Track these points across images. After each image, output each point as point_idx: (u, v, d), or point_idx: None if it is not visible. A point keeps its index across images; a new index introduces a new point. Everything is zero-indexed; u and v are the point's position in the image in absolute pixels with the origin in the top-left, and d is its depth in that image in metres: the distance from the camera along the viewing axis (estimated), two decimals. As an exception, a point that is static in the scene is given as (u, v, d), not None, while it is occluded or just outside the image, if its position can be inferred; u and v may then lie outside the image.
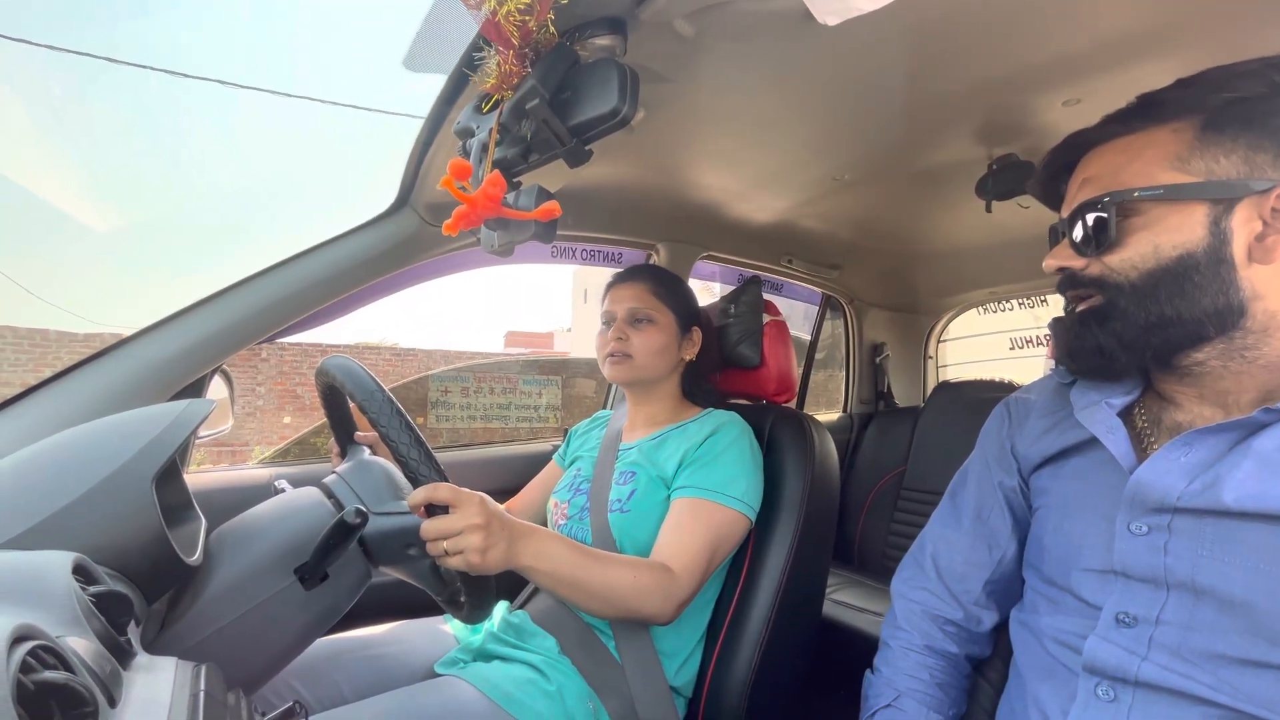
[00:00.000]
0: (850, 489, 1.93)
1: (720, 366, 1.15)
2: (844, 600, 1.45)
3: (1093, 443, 0.57)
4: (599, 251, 1.46)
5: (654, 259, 1.48)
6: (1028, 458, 0.66)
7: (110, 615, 0.42)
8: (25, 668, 0.29)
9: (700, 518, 0.86)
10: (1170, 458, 0.51)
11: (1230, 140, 0.49)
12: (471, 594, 0.73)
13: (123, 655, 0.41)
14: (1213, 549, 0.48)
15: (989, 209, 1.19)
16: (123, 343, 0.92)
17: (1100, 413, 0.57)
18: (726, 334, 1.13)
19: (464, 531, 0.64)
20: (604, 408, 1.44)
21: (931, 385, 2.26)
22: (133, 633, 0.45)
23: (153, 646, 0.58)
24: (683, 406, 1.06)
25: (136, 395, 0.89)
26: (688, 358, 1.06)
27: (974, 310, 2.26)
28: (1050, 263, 0.58)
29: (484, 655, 0.88)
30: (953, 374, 2.35)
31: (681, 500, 0.88)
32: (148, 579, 0.54)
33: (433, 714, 0.74)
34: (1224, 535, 0.47)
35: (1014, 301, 2.17)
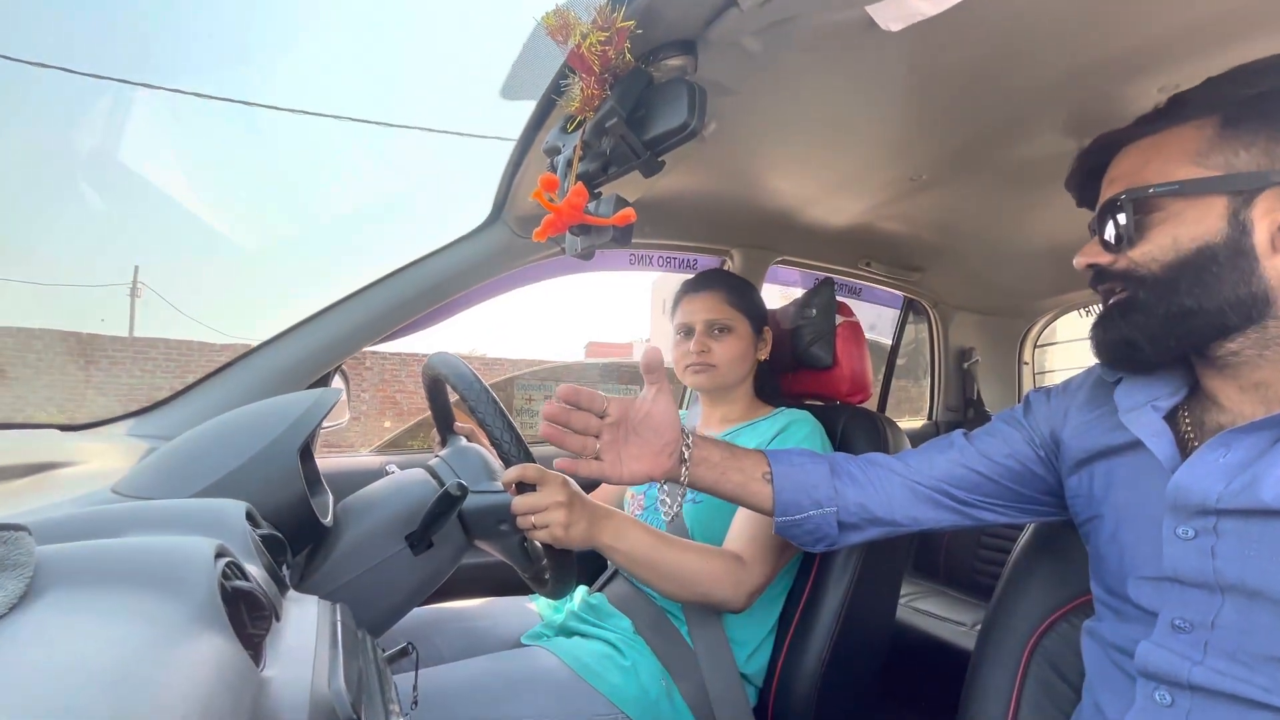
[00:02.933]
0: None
1: (793, 367, 1.17)
2: (925, 609, 1.41)
3: (1139, 445, 0.57)
4: (674, 258, 1.52)
5: (728, 264, 1.52)
6: (1069, 449, 0.65)
7: (271, 553, 0.51)
8: (224, 575, 0.38)
9: (770, 510, 0.89)
10: (1209, 459, 0.50)
11: (1250, 134, 0.50)
12: (555, 570, 0.80)
13: (281, 585, 0.50)
14: (1259, 549, 0.47)
15: (1080, 204, 1.14)
16: (264, 345, 1.08)
17: (1145, 416, 0.56)
18: (799, 335, 1.15)
19: (549, 508, 0.71)
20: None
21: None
22: (285, 571, 0.55)
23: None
24: (756, 405, 1.09)
25: (276, 387, 1.03)
26: (762, 358, 1.09)
27: (1075, 313, 2.11)
28: (1080, 260, 0.60)
29: (565, 631, 0.95)
30: (1058, 380, 2.21)
31: (752, 493, 0.91)
32: (293, 533, 0.65)
33: (521, 677, 0.81)
34: (1269, 534, 0.46)
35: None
